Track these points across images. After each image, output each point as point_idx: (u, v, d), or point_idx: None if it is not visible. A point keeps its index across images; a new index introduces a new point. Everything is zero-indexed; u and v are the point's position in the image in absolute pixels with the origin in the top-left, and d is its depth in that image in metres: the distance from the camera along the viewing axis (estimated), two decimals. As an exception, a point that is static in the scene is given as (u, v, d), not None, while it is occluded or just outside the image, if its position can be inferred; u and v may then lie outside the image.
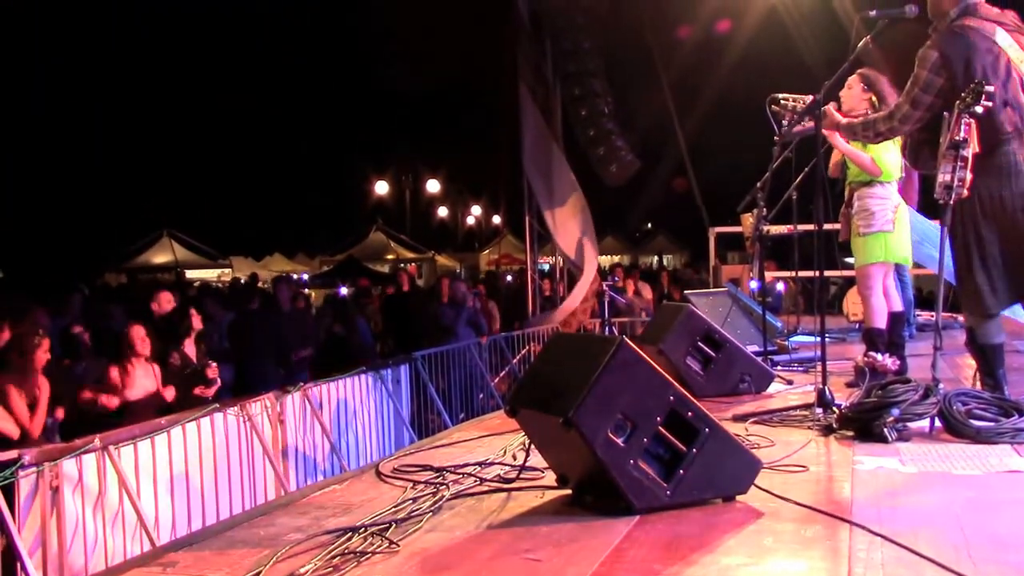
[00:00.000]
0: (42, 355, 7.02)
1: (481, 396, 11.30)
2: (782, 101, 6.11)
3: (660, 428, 3.40)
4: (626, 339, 3.42)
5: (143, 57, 38.35)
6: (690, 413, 3.43)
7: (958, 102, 4.52)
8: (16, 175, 35.60)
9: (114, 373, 7.51)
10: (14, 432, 6.69)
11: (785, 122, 6.10)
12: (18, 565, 5.31)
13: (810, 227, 7.69)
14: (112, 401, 7.42)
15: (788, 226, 7.57)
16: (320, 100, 42.76)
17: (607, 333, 11.63)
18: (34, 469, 5.38)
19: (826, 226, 5.35)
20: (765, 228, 7.06)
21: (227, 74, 40.10)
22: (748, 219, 7.49)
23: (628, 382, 3.38)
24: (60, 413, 7.39)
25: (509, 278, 22.69)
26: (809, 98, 5.87)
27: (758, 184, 7.17)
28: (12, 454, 5.49)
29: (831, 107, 5.65)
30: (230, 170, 41.19)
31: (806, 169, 7.38)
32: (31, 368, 6.94)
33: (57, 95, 36.88)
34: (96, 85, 37.33)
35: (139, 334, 7.60)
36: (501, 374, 11.55)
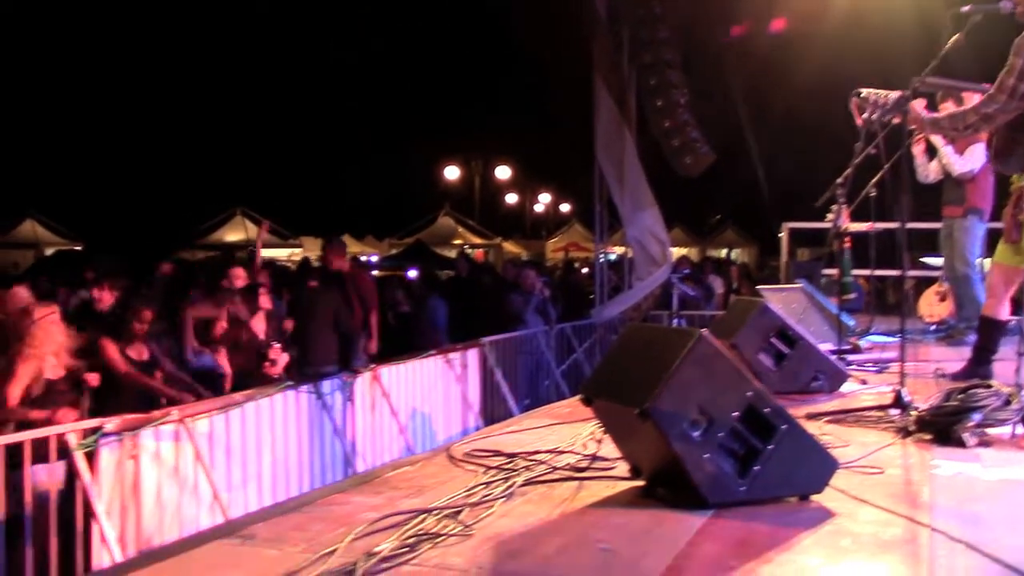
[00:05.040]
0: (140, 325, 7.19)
1: (547, 384, 11.32)
2: (865, 95, 5.99)
3: (736, 423, 3.38)
4: (706, 332, 3.40)
5: (219, 38, 39.00)
6: (768, 409, 3.40)
7: None
8: (97, 153, 36.53)
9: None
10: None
11: (866, 115, 5.97)
12: (96, 530, 5.48)
13: (889, 225, 7.55)
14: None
15: (867, 223, 7.42)
16: (393, 84, 43.08)
17: (674, 325, 11.55)
18: (115, 438, 5.54)
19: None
20: (844, 225, 6.94)
21: (303, 56, 40.60)
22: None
23: (706, 376, 3.36)
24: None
25: (585, 269, 22.49)
26: (895, 94, 5.75)
27: (838, 180, 7.05)
28: (94, 422, 5.67)
29: (916, 103, 5.52)
30: (303, 151, 41.74)
31: (886, 166, 7.23)
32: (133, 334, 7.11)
33: (134, 76, 37.67)
34: (175, 66, 38.06)
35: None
36: (567, 362, 11.55)
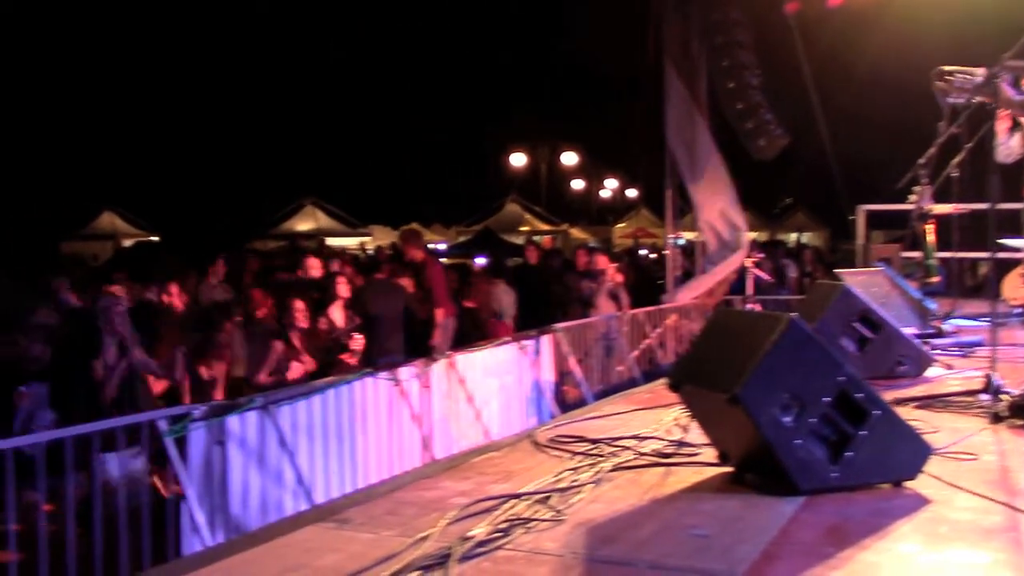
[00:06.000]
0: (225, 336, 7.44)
1: (619, 369, 11.28)
2: (949, 79, 5.84)
3: (828, 408, 3.34)
4: (796, 317, 3.36)
5: (289, 28, 39.49)
6: (860, 394, 3.36)
7: None
8: (173, 146, 37.31)
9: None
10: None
11: (951, 99, 5.82)
12: (186, 514, 5.61)
13: (974, 206, 7.37)
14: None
15: (953, 205, 7.25)
16: (459, 71, 43.15)
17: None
18: (203, 424, 5.66)
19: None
20: (928, 207, 6.80)
21: (371, 45, 40.91)
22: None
23: (797, 361, 3.32)
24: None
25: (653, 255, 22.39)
26: (979, 71, 5.60)
27: (920, 160, 6.90)
28: (182, 409, 5.81)
29: (1003, 83, 5.37)
30: (371, 141, 42.08)
31: (968, 146, 7.05)
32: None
33: (209, 70, 38.33)
34: (249, 59, 38.62)
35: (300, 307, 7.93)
36: (640, 348, 11.50)
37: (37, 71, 34.24)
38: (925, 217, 6.98)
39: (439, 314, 9.94)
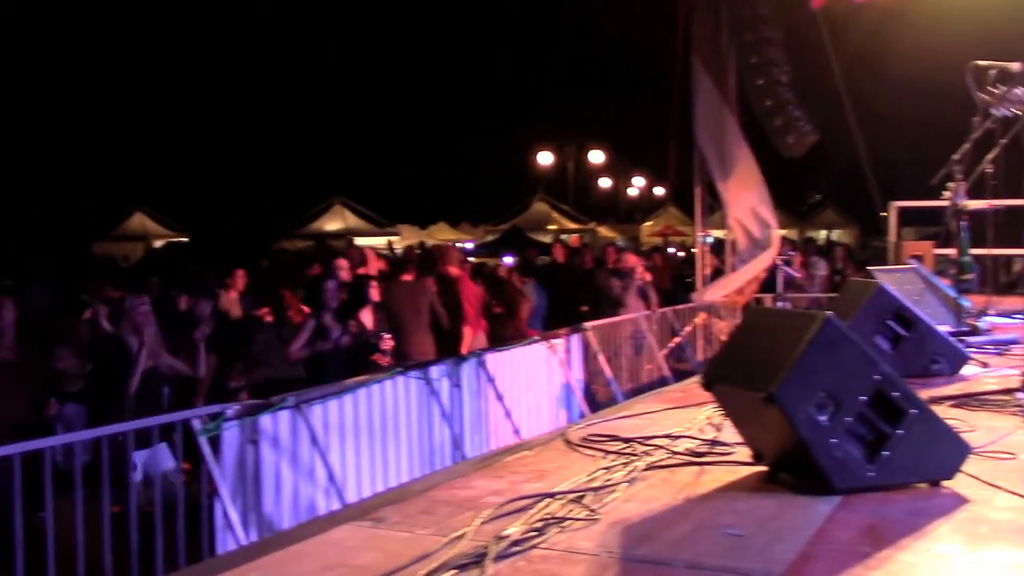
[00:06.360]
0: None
1: (648, 368, 11.25)
2: (994, 89, 5.78)
3: (864, 407, 3.31)
4: (832, 315, 3.33)
5: (316, 30, 39.71)
6: (897, 393, 3.33)
7: None
8: (202, 147, 37.63)
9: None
10: None
11: (995, 111, 5.78)
12: (219, 513, 5.65)
13: (1010, 202, 7.31)
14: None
15: (987, 201, 7.16)
16: (486, 71, 43.22)
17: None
18: (236, 423, 5.70)
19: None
20: (962, 203, 6.72)
21: (398, 45, 41.04)
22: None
23: (833, 359, 3.30)
24: None
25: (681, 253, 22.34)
26: (1015, 66, 5.55)
27: (954, 156, 6.83)
28: (215, 408, 5.85)
29: None
30: (399, 140, 42.26)
31: (1002, 142, 6.98)
32: None
33: (238, 71, 38.60)
34: (276, 60, 38.87)
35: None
36: (669, 346, 11.46)
37: (68, 72, 34.65)
38: (960, 213, 6.91)
39: (467, 332, 9.94)
